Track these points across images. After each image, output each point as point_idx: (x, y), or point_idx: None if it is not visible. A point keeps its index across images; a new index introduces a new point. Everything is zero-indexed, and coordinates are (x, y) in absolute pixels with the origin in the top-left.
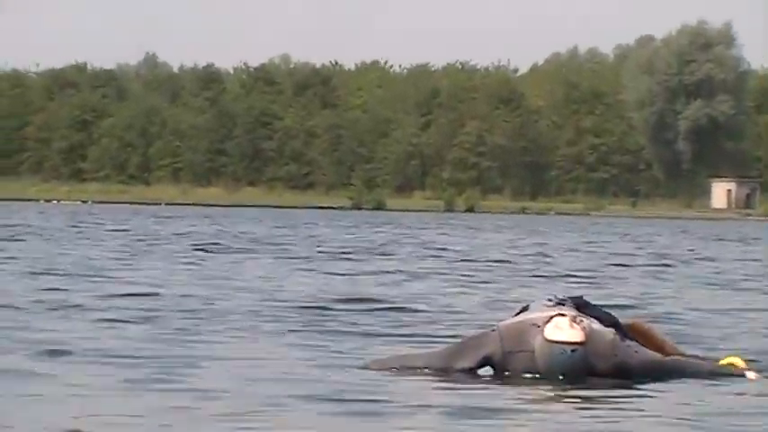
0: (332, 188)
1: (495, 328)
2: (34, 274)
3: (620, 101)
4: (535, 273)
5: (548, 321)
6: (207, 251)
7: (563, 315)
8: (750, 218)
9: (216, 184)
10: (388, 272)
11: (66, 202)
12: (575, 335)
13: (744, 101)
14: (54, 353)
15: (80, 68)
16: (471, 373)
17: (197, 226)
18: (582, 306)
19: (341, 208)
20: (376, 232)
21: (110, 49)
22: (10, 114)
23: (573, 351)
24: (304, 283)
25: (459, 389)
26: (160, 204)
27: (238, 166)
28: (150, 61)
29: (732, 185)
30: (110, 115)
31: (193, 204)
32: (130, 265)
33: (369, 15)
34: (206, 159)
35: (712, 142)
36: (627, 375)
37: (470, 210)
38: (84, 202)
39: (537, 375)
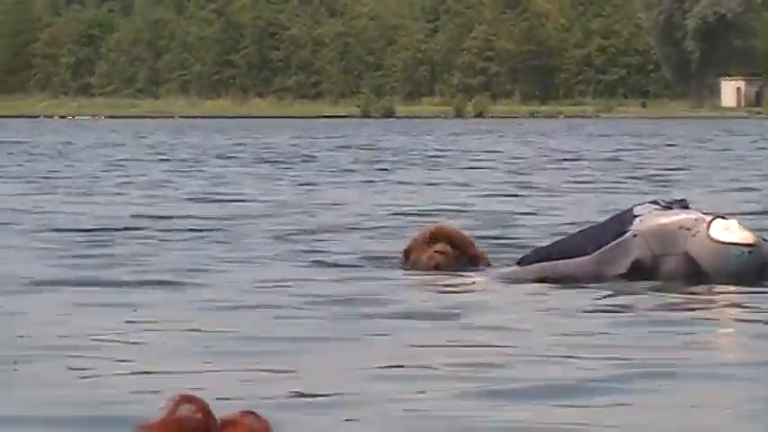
0: (341, 97)
1: (635, 233)
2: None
3: (627, 1)
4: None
5: (705, 224)
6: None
7: (723, 218)
8: (760, 116)
9: (224, 96)
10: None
11: (80, 117)
12: (748, 237)
13: None
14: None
15: None
16: (624, 278)
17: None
18: (686, 208)
19: (351, 116)
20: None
21: None
22: (16, 31)
23: (750, 252)
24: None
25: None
26: (174, 117)
27: (246, 77)
28: None
29: (741, 83)
30: (117, 29)
31: (206, 117)
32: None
33: None
34: (214, 71)
35: (721, 40)
36: None
37: (480, 115)
38: (93, 116)
39: (695, 279)
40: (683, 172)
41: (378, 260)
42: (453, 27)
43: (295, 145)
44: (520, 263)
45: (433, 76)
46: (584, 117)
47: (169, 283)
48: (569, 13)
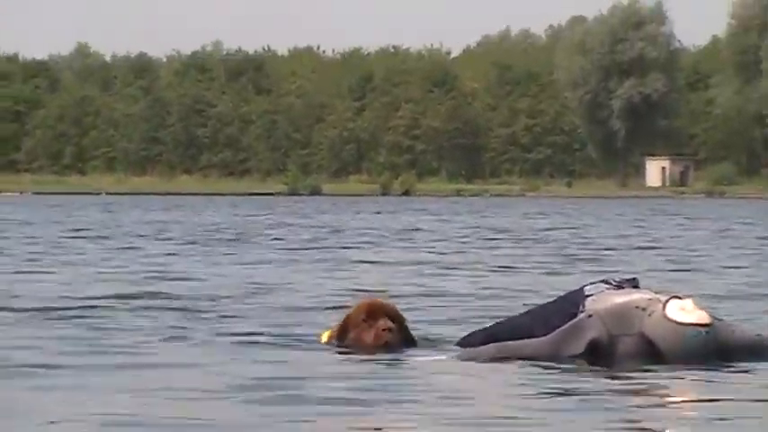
0: (268, 174)
1: (590, 313)
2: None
3: (553, 81)
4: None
5: (660, 303)
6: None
7: (678, 297)
8: (685, 195)
9: (151, 173)
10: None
11: (6, 194)
12: (704, 317)
13: (676, 78)
14: None
15: (12, 60)
16: (580, 358)
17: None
18: (637, 287)
19: (278, 194)
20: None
21: (42, 40)
22: None
23: (707, 333)
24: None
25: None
26: (101, 194)
27: (173, 154)
28: (82, 51)
29: (666, 163)
30: (43, 106)
31: (132, 194)
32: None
33: (300, 1)
34: (141, 148)
35: (646, 120)
36: (728, 357)
37: (406, 193)
38: (21, 192)
39: (651, 359)
40: (613, 251)
41: (304, 340)
42: (380, 105)
43: (222, 223)
44: (461, 344)
45: (359, 154)
46: (510, 196)
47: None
48: (496, 92)
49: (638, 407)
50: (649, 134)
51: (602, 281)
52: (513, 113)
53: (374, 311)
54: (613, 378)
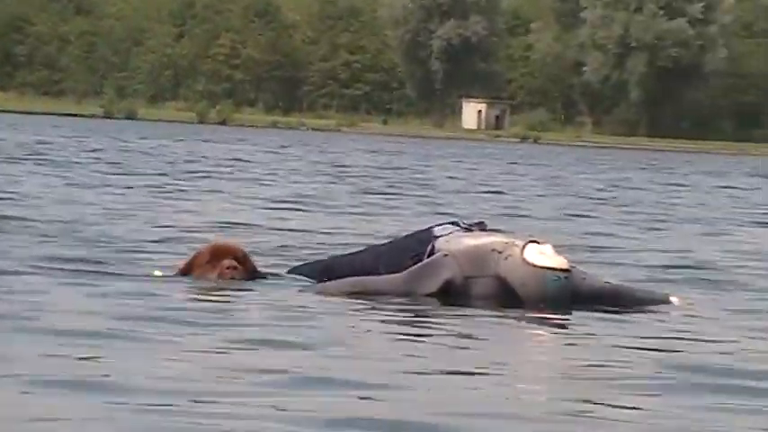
0: (84, 96)
1: (446, 253)
2: None
3: (375, 18)
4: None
5: (518, 247)
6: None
7: (535, 242)
8: (500, 138)
9: None
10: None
11: None
12: (563, 262)
13: (496, 22)
14: None
15: None
16: (434, 297)
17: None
18: (485, 230)
19: (92, 116)
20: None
21: None
22: None
23: (566, 278)
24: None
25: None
26: None
27: None
28: None
29: (483, 106)
30: None
31: None
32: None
33: None
34: None
35: (464, 63)
36: (579, 301)
37: (223, 122)
38: None
39: (506, 302)
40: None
41: (148, 274)
42: (200, 32)
43: (50, 143)
44: (290, 272)
45: (177, 81)
46: (327, 130)
47: None
48: (317, 26)
49: (485, 348)
50: (467, 76)
51: (451, 222)
52: (333, 48)
53: (219, 253)
54: (463, 318)
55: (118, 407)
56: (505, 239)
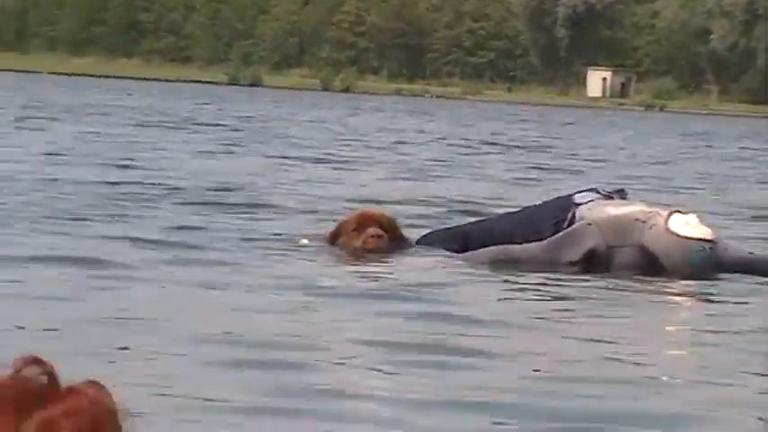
0: (210, 63)
1: (590, 222)
2: None
3: None
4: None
5: (662, 217)
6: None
7: (680, 212)
8: (624, 107)
9: (91, 54)
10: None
11: None
12: (708, 232)
13: None
14: None
15: None
16: (576, 266)
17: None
18: (625, 198)
19: (217, 83)
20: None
21: None
22: None
23: (711, 248)
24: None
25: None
26: (41, 73)
27: (115, 37)
28: None
29: (608, 74)
30: None
31: (74, 75)
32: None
33: None
34: (82, 28)
35: (590, 30)
36: (722, 271)
37: (347, 90)
38: None
39: (649, 271)
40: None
41: (294, 243)
42: (325, 0)
43: (197, 109)
44: (420, 242)
45: (301, 48)
46: (451, 98)
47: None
48: None
49: (628, 317)
50: (592, 44)
51: (592, 189)
52: (457, 16)
53: (365, 221)
54: (608, 288)
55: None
56: (648, 209)
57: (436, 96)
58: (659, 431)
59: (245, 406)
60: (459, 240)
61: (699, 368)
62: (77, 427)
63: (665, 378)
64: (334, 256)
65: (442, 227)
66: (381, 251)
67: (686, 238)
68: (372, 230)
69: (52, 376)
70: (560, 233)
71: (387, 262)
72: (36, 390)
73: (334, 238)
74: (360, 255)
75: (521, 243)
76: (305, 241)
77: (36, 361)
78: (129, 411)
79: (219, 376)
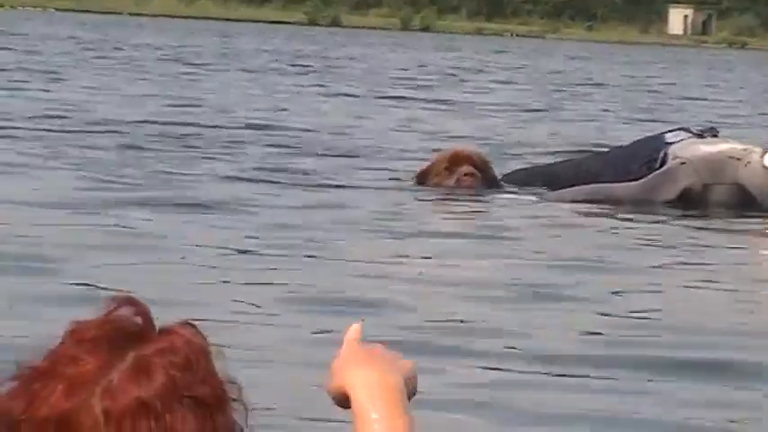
0: (288, 2)
1: (683, 161)
2: None
3: None
4: None
5: (757, 154)
6: None
7: None
8: (705, 45)
9: None
10: None
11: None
12: None
13: None
14: None
15: None
16: (672, 204)
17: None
18: (717, 137)
19: (298, 23)
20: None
21: None
22: None
23: None
24: None
25: None
26: (122, 14)
27: None
28: None
29: (689, 11)
30: None
31: (154, 15)
32: None
33: None
34: None
35: None
36: None
37: (426, 29)
38: (36, 8)
39: (745, 208)
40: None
41: (389, 181)
42: None
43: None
44: (504, 180)
45: None
46: (531, 37)
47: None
48: None
49: (729, 258)
50: None
51: (682, 128)
52: None
53: (457, 159)
54: (706, 228)
55: None
56: (742, 146)
57: (516, 35)
58: None
59: None
60: (546, 179)
61: None
62: (172, 365)
63: None
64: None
65: (527, 165)
66: (474, 190)
67: None
68: (465, 169)
69: (146, 317)
70: (656, 172)
71: (480, 201)
72: (130, 329)
73: (423, 177)
74: (452, 193)
75: (611, 182)
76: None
77: (131, 301)
78: (223, 352)
79: None
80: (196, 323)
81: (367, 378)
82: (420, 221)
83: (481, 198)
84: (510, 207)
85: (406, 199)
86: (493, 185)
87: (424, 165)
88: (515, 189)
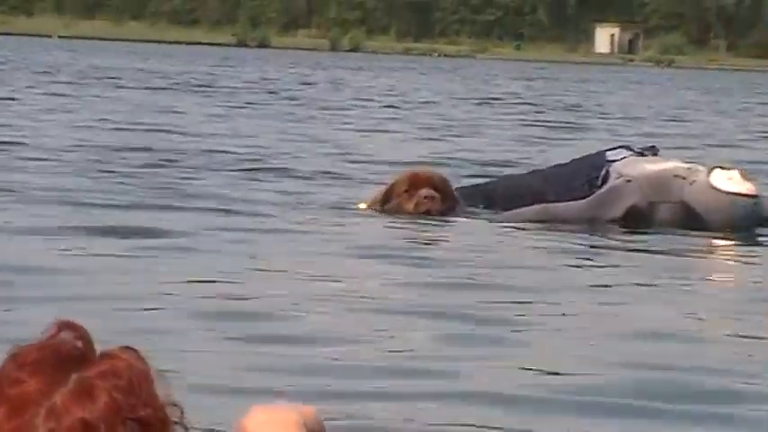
0: (217, 24)
1: (629, 178)
2: None
3: None
4: None
5: (703, 173)
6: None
7: (722, 167)
8: (632, 63)
9: (99, 17)
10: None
11: None
12: (752, 188)
13: None
14: None
15: None
16: (618, 222)
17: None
18: (658, 155)
19: (226, 45)
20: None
21: None
22: None
23: (755, 204)
24: None
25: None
26: (51, 37)
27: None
28: None
29: (616, 30)
30: None
31: (83, 38)
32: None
33: None
34: None
35: None
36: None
37: (355, 49)
38: None
39: (691, 227)
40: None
41: (340, 208)
42: None
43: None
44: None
45: (309, 8)
46: (459, 57)
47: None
48: None
49: (670, 270)
50: (600, 1)
51: (623, 147)
52: None
53: (417, 182)
54: (649, 243)
55: None
56: (686, 165)
57: (444, 55)
58: None
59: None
60: (487, 196)
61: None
62: (115, 388)
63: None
64: (387, 221)
65: (467, 184)
66: (435, 214)
67: (729, 193)
68: (425, 192)
69: (87, 341)
70: (602, 189)
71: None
72: (72, 353)
73: (384, 201)
74: (412, 217)
75: (553, 201)
76: (362, 205)
77: (71, 326)
78: (164, 375)
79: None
80: (137, 347)
81: (261, 415)
82: (365, 245)
83: (434, 221)
84: (459, 229)
85: (363, 222)
86: (453, 207)
87: (382, 187)
88: (473, 211)
